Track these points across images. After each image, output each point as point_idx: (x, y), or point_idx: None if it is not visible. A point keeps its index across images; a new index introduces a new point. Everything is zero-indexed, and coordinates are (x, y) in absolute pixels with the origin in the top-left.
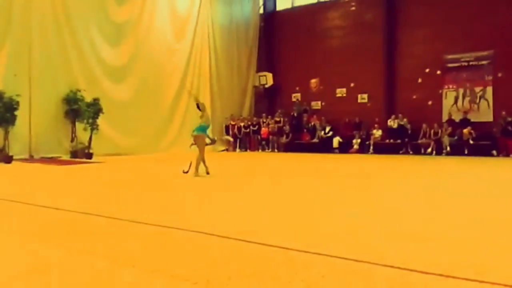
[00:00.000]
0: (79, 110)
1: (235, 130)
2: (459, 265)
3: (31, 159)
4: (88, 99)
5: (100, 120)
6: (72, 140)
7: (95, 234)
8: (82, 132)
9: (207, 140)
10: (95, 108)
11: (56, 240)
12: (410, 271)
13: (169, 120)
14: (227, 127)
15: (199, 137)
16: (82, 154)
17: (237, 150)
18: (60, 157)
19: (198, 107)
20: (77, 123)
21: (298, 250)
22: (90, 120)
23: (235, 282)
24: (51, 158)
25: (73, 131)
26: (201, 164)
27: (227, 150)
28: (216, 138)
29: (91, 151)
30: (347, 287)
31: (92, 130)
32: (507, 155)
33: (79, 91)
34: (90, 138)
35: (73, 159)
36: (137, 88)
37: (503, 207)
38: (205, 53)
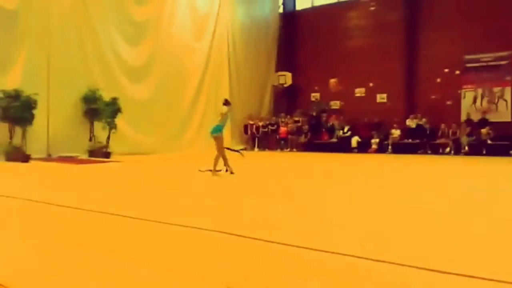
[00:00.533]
0: (97, 109)
1: (254, 129)
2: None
3: (48, 158)
4: (107, 98)
5: (118, 120)
6: (90, 139)
7: (114, 234)
8: (100, 131)
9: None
10: (113, 108)
11: (75, 240)
12: (432, 271)
13: (188, 120)
14: (245, 127)
15: (218, 137)
16: (100, 153)
17: (256, 149)
18: (78, 156)
19: (227, 102)
20: (95, 122)
21: (310, 249)
22: (109, 120)
23: (252, 281)
24: (69, 157)
25: (91, 130)
26: (219, 163)
27: (245, 149)
28: (241, 151)
29: (109, 150)
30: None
31: (110, 129)
32: None
33: (98, 90)
34: (108, 137)
35: (91, 158)
36: (156, 88)
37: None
38: (224, 53)
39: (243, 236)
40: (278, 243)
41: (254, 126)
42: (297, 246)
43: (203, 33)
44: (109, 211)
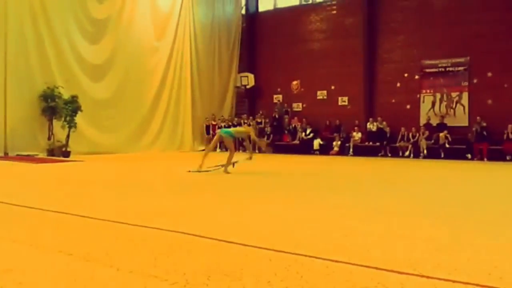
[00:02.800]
0: (56, 107)
1: (216, 130)
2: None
3: (6, 156)
4: (66, 96)
5: (78, 118)
6: (49, 138)
7: (72, 234)
8: (59, 130)
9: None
10: (73, 106)
11: (31, 239)
12: (388, 271)
13: (150, 119)
14: (207, 127)
15: (226, 138)
16: (59, 152)
17: (218, 150)
18: (36, 155)
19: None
20: (54, 121)
21: (278, 251)
22: (68, 118)
23: (214, 282)
24: (27, 155)
25: (50, 129)
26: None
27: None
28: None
29: (68, 149)
30: (326, 287)
31: (69, 128)
32: (481, 159)
33: (57, 87)
34: (68, 136)
35: (49, 157)
36: (117, 86)
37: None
38: (186, 53)
39: (206, 237)
40: (240, 244)
41: (216, 127)
42: (260, 248)
43: (165, 32)
44: (67, 211)
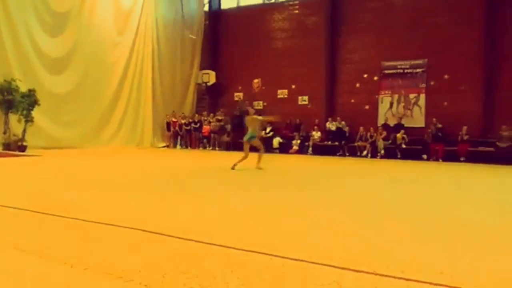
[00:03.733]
0: (13, 101)
1: (176, 127)
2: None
3: None
4: (24, 89)
5: (36, 112)
6: (4, 132)
7: (27, 230)
8: (16, 124)
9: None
10: (30, 100)
11: None
12: (343, 269)
13: (110, 114)
14: (168, 124)
15: (254, 141)
16: (15, 146)
17: (178, 147)
18: None
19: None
20: (10, 115)
21: (235, 248)
22: (25, 112)
23: (170, 280)
24: None
25: (6, 123)
26: (242, 160)
27: (167, 146)
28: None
29: (25, 143)
30: (282, 285)
31: (26, 122)
32: (437, 160)
33: (14, 80)
34: (24, 131)
35: (5, 152)
36: (77, 80)
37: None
38: (148, 48)
39: (162, 234)
40: (197, 241)
41: (177, 123)
42: (218, 245)
43: (127, 27)
44: (22, 206)
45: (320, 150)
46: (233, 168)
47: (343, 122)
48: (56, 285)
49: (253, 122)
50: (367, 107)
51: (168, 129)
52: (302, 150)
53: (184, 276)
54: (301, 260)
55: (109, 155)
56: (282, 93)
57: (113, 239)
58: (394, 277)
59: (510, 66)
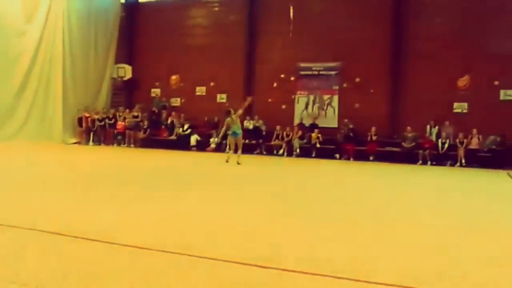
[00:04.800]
0: None
1: (89, 122)
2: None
3: None
4: None
5: None
6: None
7: None
8: None
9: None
10: None
11: None
12: (251, 265)
13: (15, 107)
14: (80, 119)
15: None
16: None
17: (90, 143)
18: None
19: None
20: None
21: (143, 248)
22: None
23: (70, 282)
24: None
25: None
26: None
27: (78, 143)
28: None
29: None
30: (186, 282)
31: None
32: (348, 159)
33: None
34: None
35: None
36: None
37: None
38: (58, 39)
39: (64, 235)
40: (102, 241)
41: (90, 119)
42: (122, 245)
43: (35, 15)
44: None
45: None
46: (227, 161)
47: (260, 121)
48: None
49: (237, 120)
50: (284, 106)
51: (80, 125)
52: (219, 148)
53: (87, 278)
54: (210, 258)
55: (10, 150)
56: (201, 90)
57: (9, 240)
58: (305, 273)
59: (414, 73)
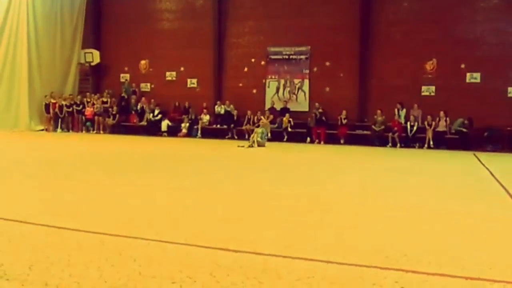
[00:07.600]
0: None
1: (56, 109)
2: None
3: None
4: None
5: None
6: None
7: None
8: None
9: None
10: None
11: None
12: (222, 250)
13: None
14: (47, 106)
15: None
16: None
17: (58, 130)
18: None
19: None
20: None
21: (112, 235)
22: None
23: (37, 271)
24: None
25: None
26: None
27: (46, 130)
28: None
29: None
30: (164, 268)
31: None
32: (319, 143)
33: None
34: None
35: None
36: None
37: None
38: (22, 22)
39: (29, 223)
40: (70, 229)
41: (57, 105)
42: (93, 232)
43: None
44: None
45: (209, 133)
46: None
47: (231, 106)
48: None
49: (266, 125)
50: (254, 91)
51: (47, 111)
52: (191, 134)
53: (53, 267)
54: (181, 244)
55: None
56: (171, 75)
57: None
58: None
59: (382, 56)
